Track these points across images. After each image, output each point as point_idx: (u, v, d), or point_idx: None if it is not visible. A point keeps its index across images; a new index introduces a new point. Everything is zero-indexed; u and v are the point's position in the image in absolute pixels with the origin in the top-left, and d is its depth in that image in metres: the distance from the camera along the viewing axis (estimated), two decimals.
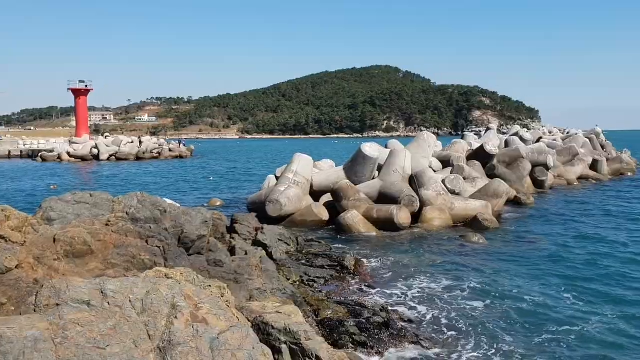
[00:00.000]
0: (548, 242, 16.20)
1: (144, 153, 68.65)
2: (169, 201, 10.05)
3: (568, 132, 48.07)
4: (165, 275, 3.43)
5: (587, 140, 39.07)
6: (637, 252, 14.89)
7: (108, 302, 2.93)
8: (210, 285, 3.74)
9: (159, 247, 7.22)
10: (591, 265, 13.42)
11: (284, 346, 4.12)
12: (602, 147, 42.25)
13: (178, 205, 9.70)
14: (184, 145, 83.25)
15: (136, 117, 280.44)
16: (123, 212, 7.70)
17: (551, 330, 9.20)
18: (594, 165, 34.89)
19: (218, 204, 24.53)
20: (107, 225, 7.21)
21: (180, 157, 74.18)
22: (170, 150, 75.01)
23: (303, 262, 13.25)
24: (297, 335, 4.14)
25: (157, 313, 2.98)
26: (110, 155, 64.33)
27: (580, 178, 32.76)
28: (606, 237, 17.00)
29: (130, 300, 2.99)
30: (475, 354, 8.23)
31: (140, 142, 71.63)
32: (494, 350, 8.33)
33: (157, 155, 71.25)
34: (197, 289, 3.38)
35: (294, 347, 4.14)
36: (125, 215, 7.62)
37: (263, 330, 4.13)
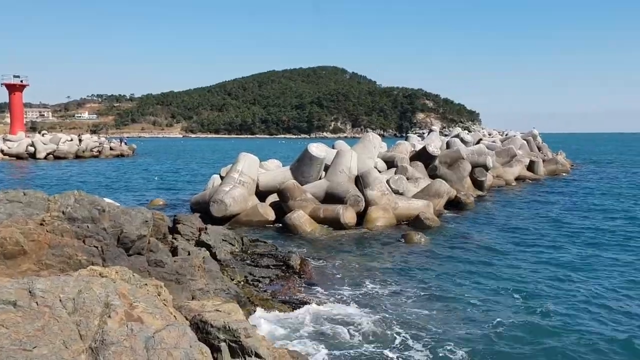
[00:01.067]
0: (486, 241, 16.74)
1: (83, 151, 66.27)
2: (108, 200, 9.74)
3: (507, 134, 49.88)
4: (100, 274, 3.31)
5: (525, 142, 40.68)
6: (573, 250, 15.61)
7: (36, 302, 2.80)
8: (146, 284, 3.63)
9: (96, 247, 6.97)
10: (528, 264, 13.94)
11: (223, 344, 4.06)
12: (539, 148, 44.11)
13: (117, 204, 9.41)
14: (126, 143, 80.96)
15: (76, 115, 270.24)
16: (59, 211, 7.39)
17: (488, 326, 9.49)
18: (531, 166, 36.36)
19: (160, 204, 23.98)
20: (41, 224, 6.90)
21: (122, 155, 72.09)
22: (111, 148, 72.76)
23: (248, 262, 13.14)
24: (237, 333, 4.09)
25: (90, 312, 2.87)
26: (48, 154, 61.68)
27: (517, 178, 34.06)
28: (543, 235, 17.75)
29: (60, 300, 2.87)
30: (419, 352, 8.39)
31: (80, 140, 69.10)
32: (435, 349, 8.51)
33: (97, 154, 68.96)
34: (133, 288, 3.28)
35: (234, 344, 4.09)
36: (61, 215, 7.31)
37: (202, 329, 4.06)
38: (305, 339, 8.53)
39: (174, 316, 3.32)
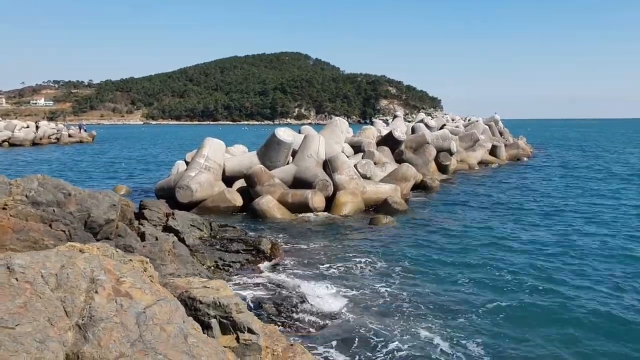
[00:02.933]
0: (452, 223, 16.98)
1: (41, 139, 64.11)
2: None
3: (469, 120, 50.61)
4: (80, 250, 3.15)
5: (487, 127, 41.39)
6: (532, 229, 16.00)
7: (16, 278, 2.63)
8: (131, 260, 3.48)
9: (64, 231, 6.70)
10: (490, 245, 14.22)
11: (213, 320, 3.95)
12: (501, 133, 44.98)
13: (82, 189, 9.10)
14: (85, 130, 78.84)
15: (31, 101, 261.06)
16: (22, 195, 7.07)
17: (454, 307, 9.65)
18: (493, 151, 37.06)
19: (123, 191, 23.38)
20: (4, 209, 6.58)
21: (82, 142, 70.16)
22: (70, 135, 70.70)
23: (217, 247, 12.95)
24: (228, 308, 3.98)
25: (75, 288, 2.72)
26: (3, 141, 59.40)
27: (480, 162, 34.68)
28: (505, 215, 18.17)
29: (42, 276, 2.71)
30: (390, 332, 8.44)
31: (37, 127, 66.80)
32: (406, 329, 8.57)
33: (55, 140, 66.86)
34: (117, 263, 3.13)
35: (225, 320, 3.98)
36: (24, 199, 7.00)
37: (190, 306, 3.93)
38: (285, 320, 8.47)
39: (163, 292, 3.19)
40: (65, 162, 41.73)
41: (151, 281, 3.29)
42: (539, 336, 8.38)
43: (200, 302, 3.98)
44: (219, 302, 4.00)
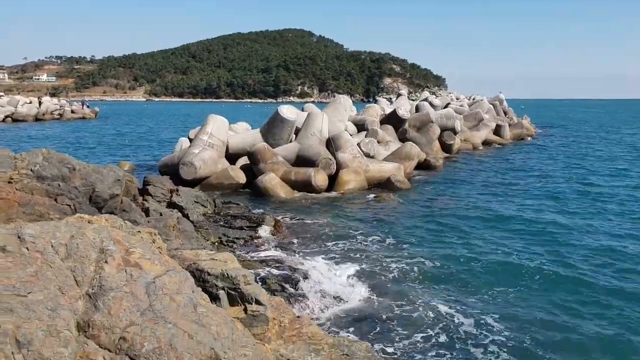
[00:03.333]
0: (455, 203, 17.01)
1: (43, 114, 63.96)
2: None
3: (474, 99, 50.29)
4: (89, 222, 3.16)
5: (491, 106, 41.14)
6: (535, 208, 16.02)
7: (27, 248, 2.65)
8: (139, 231, 3.51)
9: (69, 205, 6.73)
10: (494, 223, 14.28)
11: (221, 292, 3.99)
12: (505, 113, 44.74)
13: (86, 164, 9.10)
14: (88, 106, 78.61)
15: (34, 77, 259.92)
16: (27, 169, 7.09)
17: (463, 282, 9.74)
18: (497, 130, 36.89)
19: (127, 167, 23.38)
20: (9, 182, 6.60)
21: (84, 119, 70.01)
22: (72, 112, 70.50)
23: (221, 223, 13.00)
24: (236, 280, 4.03)
25: (84, 258, 2.74)
26: (6, 117, 59.29)
27: (484, 142, 34.54)
28: (510, 195, 18.18)
29: (52, 245, 2.73)
30: (395, 304, 8.52)
31: (40, 103, 66.59)
32: (413, 300, 8.66)
33: (58, 117, 66.71)
34: (126, 234, 3.15)
35: (233, 292, 4.03)
36: (29, 173, 7.01)
37: (198, 277, 3.97)
38: (288, 296, 8.53)
39: (172, 263, 3.22)
40: (68, 138, 41.72)
41: (160, 252, 3.31)
42: (550, 305, 8.55)
43: (209, 274, 4.02)
44: (227, 274, 4.03)
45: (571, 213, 15.54)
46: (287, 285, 8.95)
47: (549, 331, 7.74)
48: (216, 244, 11.30)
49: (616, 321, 8.17)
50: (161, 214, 10.69)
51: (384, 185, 19.16)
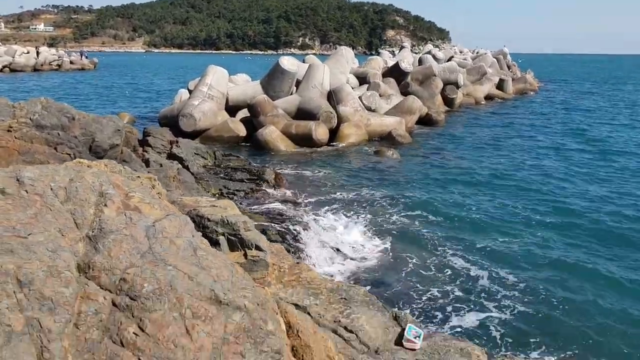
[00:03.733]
0: (458, 156, 17.02)
1: (42, 65, 63.11)
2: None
3: (477, 52, 49.51)
4: (88, 166, 3.16)
5: (495, 60, 40.54)
6: (538, 163, 16.05)
7: (26, 190, 2.66)
8: (139, 177, 3.51)
9: (69, 154, 6.73)
10: (495, 177, 14.33)
11: (221, 237, 4.05)
12: (508, 67, 44.14)
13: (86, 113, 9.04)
14: (87, 57, 77.51)
15: (31, 27, 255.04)
16: (26, 118, 7.04)
17: (467, 235, 9.85)
18: (500, 85, 36.49)
19: (126, 119, 23.22)
20: (8, 131, 6.58)
21: (83, 70, 69.17)
22: (71, 62, 69.57)
23: (222, 175, 13.01)
24: (236, 226, 4.07)
25: (84, 201, 2.76)
26: (4, 67, 58.54)
27: (487, 97, 34.22)
28: (512, 150, 18.18)
29: (51, 189, 2.74)
30: (400, 254, 8.64)
31: (38, 53, 65.62)
32: (417, 252, 8.79)
33: (56, 67, 65.85)
34: (126, 179, 3.16)
35: (233, 238, 4.08)
36: (28, 121, 6.98)
37: (198, 223, 4.01)
38: (288, 247, 8.64)
39: (171, 208, 3.24)
40: (67, 88, 41.33)
41: (160, 198, 3.33)
42: (553, 256, 8.71)
43: (209, 220, 4.06)
44: (227, 220, 4.07)
45: (574, 165, 15.68)
46: (287, 237, 9.04)
47: (558, 280, 7.88)
48: (216, 195, 11.35)
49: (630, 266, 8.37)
50: (161, 165, 10.70)
51: (385, 139, 19.09)
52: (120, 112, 25.16)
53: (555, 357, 5.93)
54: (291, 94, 20.11)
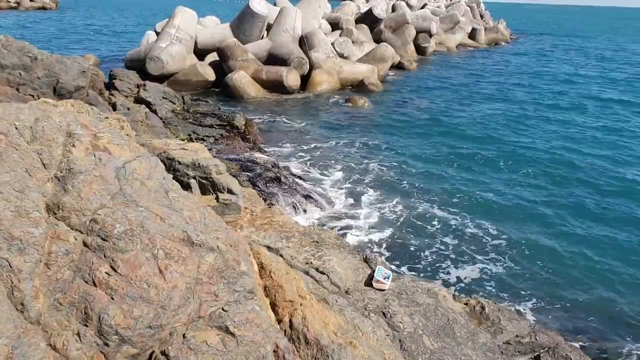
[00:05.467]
0: (428, 105, 17.07)
1: None
2: None
3: (451, 0, 48.93)
4: (54, 106, 3.06)
5: (468, 8, 40.18)
6: (504, 112, 16.29)
7: None
8: (107, 117, 3.43)
9: (32, 95, 6.49)
10: (465, 126, 14.49)
11: (192, 181, 4.02)
12: (481, 16, 43.83)
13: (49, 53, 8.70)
14: None
15: None
16: None
17: (437, 180, 10.02)
18: (473, 34, 36.35)
19: (92, 61, 22.46)
20: None
21: (44, 9, 65.95)
22: (31, 0, 66.16)
23: (190, 121, 12.80)
24: (207, 169, 4.04)
25: (51, 141, 2.68)
26: None
27: (459, 45, 34.10)
28: (482, 97, 18.36)
29: (16, 128, 2.65)
30: (372, 203, 8.76)
31: None
32: (384, 197, 8.92)
33: (15, 5, 62.52)
34: (94, 120, 3.07)
35: (204, 181, 4.06)
36: None
37: (169, 166, 3.96)
38: (260, 191, 8.66)
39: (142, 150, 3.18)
40: (27, 28, 39.46)
41: (129, 139, 3.26)
42: (525, 204, 8.96)
43: (179, 163, 4.01)
44: (198, 163, 4.03)
45: (544, 112, 16.38)
46: (258, 184, 9.05)
47: (529, 230, 8.14)
48: (185, 141, 11.21)
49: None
50: (129, 109, 10.45)
51: (357, 86, 18.97)
52: (84, 54, 24.28)
53: (524, 304, 6.20)
54: (262, 38, 19.65)
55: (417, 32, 28.39)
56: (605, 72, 26.71)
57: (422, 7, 34.82)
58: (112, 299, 2.48)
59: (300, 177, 9.84)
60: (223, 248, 2.81)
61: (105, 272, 2.50)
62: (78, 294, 2.46)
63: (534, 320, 5.69)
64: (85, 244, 2.55)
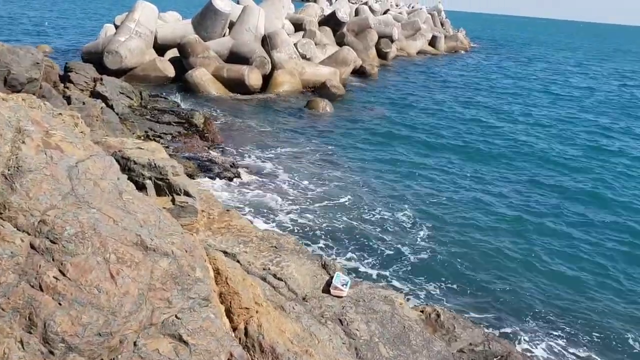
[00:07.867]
0: (388, 110, 17.26)
1: None
2: None
3: (413, 7, 49.64)
4: (3, 99, 2.89)
5: (430, 16, 40.88)
6: (464, 113, 16.78)
7: None
8: (61, 114, 3.27)
9: None
10: (426, 131, 14.75)
11: (148, 182, 3.89)
12: (442, 24, 44.66)
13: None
14: None
15: None
16: None
17: (390, 177, 10.11)
18: (433, 41, 37.00)
19: (47, 50, 21.71)
20: None
21: None
22: None
23: (148, 117, 12.54)
24: (164, 170, 3.92)
25: None
26: None
27: (419, 52, 34.64)
28: (440, 103, 18.79)
29: None
30: (330, 206, 8.75)
31: None
32: (348, 203, 8.94)
33: None
34: (46, 116, 2.92)
35: (160, 182, 3.93)
36: None
37: (124, 166, 3.81)
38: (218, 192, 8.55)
39: (96, 149, 3.04)
40: None
41: (83, 137, 3.13)
42: (479, 204, 9.16)
43: (135, 163, 3.89)
44: (155, 164, 3.91)
45: (499, 115, 17.64)
46: (217, 183, 8.93)
47: (485, 226, 8.29)
48: (142, 137, 10.95)
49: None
50: (84, 103, 10.12)
51: (319, 88, 18.96)
52: (38, 44, 23.40)
53: (476, 303, 6.30)
54: (224, 35, 19.43)
55: (379, 37, 28.66)
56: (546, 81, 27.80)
57: (385, 13, 35.22)
58: (60, 304, 2.37)
59: (257, 174, 9.78)
60: (178, 253, 2.73)
61: (53, 277, 2.39)
62: (22, 299, 2.34)
63: (487, 324, 5.80)
64: (32, 246, 2.43)
